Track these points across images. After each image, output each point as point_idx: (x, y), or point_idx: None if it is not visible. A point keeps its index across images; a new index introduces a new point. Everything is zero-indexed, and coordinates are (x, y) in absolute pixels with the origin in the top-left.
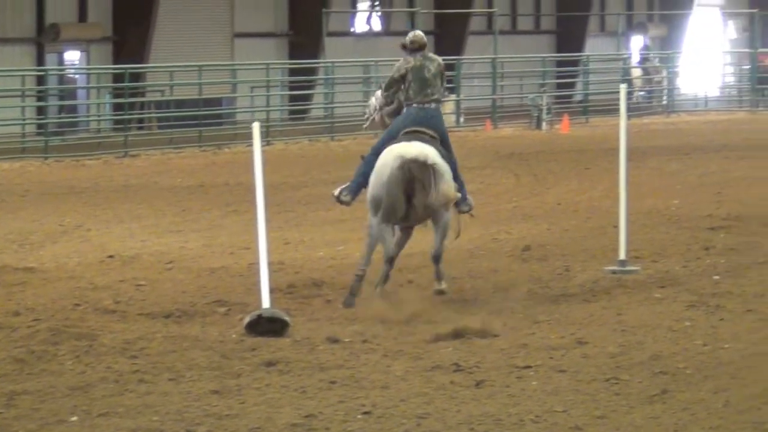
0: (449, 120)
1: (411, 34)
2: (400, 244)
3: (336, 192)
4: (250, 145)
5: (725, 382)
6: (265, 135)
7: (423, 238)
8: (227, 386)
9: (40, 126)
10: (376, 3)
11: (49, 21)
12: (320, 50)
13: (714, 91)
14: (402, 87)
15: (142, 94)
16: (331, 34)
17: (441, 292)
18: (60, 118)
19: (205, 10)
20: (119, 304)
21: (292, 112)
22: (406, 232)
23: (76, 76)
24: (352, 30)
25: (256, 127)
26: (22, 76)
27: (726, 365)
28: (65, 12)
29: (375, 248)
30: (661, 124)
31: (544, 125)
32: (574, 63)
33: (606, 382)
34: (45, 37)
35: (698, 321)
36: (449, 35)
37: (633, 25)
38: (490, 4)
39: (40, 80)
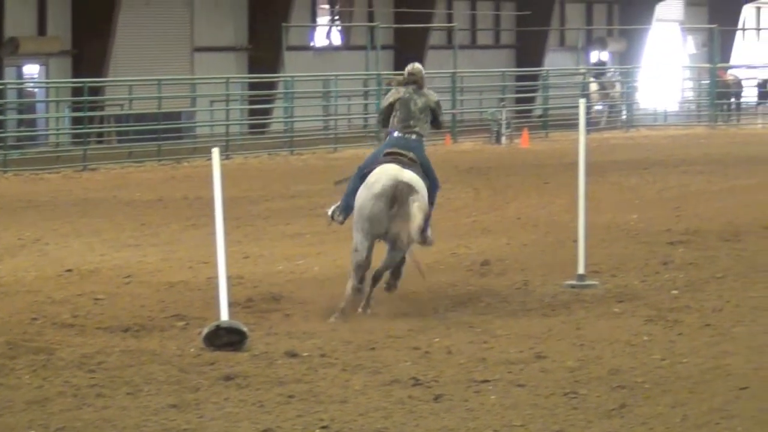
0: None
1: (410, 66)
2: (387, 264)
3: (329, 211)
4: (209, 159)
5: (683, 396)
6: (225, 149)
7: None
8: (185, 400)
9: None
10: (336, 17)
11: (8, 35)
12: (280, 64)
13: (673, 106)
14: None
15: (102, 108)
16: (290, 48)
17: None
18: (19, 131)
19: (165, 24)
20: (77, 318)
21: (251, 126)
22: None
23: (35, 89)
24: (311, 44)
25: (215, 153)
26: None
27: (684, 380)
28: (24, 25)
29: (363, 266)
30: (621, 139)
31: (503, 140)
32: (534, 78)
33: (564, 397)
34: (4, 50)
35: (656, 335)
36: (409, 50)
37: (592, 40)
38: (449, 19)
39: None
